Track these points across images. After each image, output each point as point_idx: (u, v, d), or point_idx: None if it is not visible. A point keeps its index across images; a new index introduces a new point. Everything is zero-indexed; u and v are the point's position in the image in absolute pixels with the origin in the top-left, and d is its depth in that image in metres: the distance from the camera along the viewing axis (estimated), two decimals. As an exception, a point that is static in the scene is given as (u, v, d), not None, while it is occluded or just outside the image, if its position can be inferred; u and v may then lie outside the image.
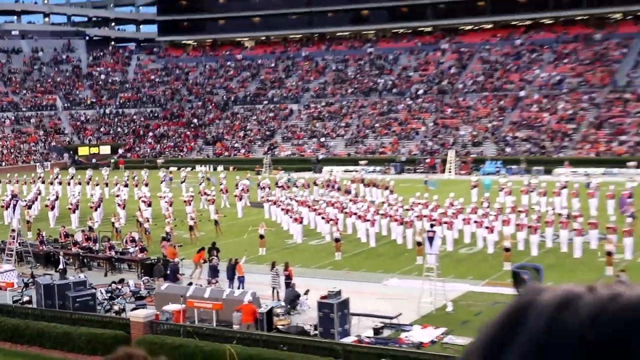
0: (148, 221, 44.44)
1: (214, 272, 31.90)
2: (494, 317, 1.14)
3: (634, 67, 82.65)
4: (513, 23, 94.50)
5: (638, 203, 44.97)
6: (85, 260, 37.20)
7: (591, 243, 36.48)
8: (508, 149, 75.34)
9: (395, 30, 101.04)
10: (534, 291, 1.13)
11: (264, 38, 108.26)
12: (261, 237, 38.84)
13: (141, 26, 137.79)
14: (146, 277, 32.97)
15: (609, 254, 32.63)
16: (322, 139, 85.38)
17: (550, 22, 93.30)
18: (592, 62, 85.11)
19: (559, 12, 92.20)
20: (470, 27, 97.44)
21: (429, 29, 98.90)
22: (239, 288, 30.00)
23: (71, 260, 36.99)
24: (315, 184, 58.38)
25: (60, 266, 34.16)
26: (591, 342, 1.01)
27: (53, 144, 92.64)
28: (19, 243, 37.70)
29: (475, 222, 39.12)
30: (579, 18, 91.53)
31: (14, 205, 39.94)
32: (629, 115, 75.55)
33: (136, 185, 59.81)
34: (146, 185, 58.53)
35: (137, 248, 36.52)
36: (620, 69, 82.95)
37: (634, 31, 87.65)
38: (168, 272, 33.27)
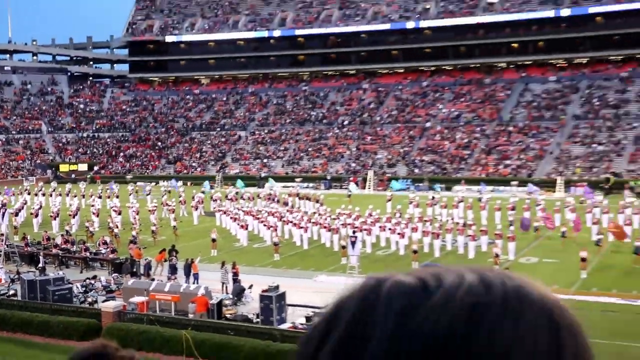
0: (118, 227, 43.70)
1: (173, 269, 31.54)
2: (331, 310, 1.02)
3: (516, 106, 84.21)
4: (420, 68, 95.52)
5: (519, 215, 45.70)
6: (63, 259, 36.37)
7: (482, 246, 36.93)
8: (416, 170, 75.92)
9: (326, 72, 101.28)
10: (375, 287, 0.98)
11: (217, 76, 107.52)
12: (213, 240, 38.46)
13: (115, 65, 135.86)
14: (116, 274, 32.47)
15: (496, 255, 33.09)
16: (265, 160, 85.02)
17: (450, 68, 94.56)
18: (483, 101, 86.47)
19: (457, 61, 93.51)
20: (386, 71, 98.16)
21: (353, 72, 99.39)
22: (194, 283, 29.63)
23: (51, 259, 36.15)
24: (258, 197, 58.14)
25: (40, 265, 33.32)
26: (436, 338, 0.90)
27: (38, 161, 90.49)
28: (7, 245, 36.69)
29: (390, 229, 39.25)
30: (473, 65, 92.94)
31: (3, 213, 38.92)
32: (512, 144, 76.86)
33: (108, 197, 58.71)
34: (117, 197, 57.48)
35: (108, 249, 35.90)
36: (504, 107, 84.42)
37: (516, 77, 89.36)
38: (135, 268, 32.74)
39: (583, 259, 31.83)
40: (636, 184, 62.60)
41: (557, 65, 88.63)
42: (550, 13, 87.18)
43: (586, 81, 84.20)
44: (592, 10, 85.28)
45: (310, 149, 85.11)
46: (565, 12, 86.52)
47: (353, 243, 34.64)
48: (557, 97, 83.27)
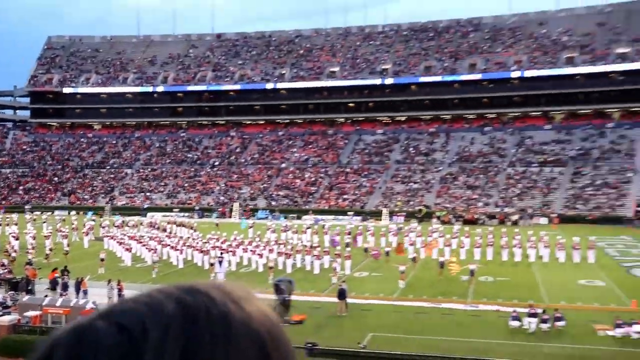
0: (15, 251, 40.72)
1: (64, 287, 29.71)
2: None
3: (352, 152, 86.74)
4: (277, 121, 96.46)
5: (353, 237, 46.78)
6: (-37, 280, 33.33)
7: (325, 264, 37.42)
8: (273, 202, 76.22)
9: (200, 122, 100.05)
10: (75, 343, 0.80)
11: (108, 123, 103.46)
12: (101, 260, 36.71)
13: (17, 111, 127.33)
14: (12, 292, 30.10)
15: (335, 270, 33.68)
16: (148, 194, 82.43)
17: (301, 121, 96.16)
18: (327, 148, 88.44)
19: (306, 115, 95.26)
20: (250, 122, 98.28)
21: (223, 122, 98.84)
22: (83, 298, 28.07)
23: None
24: (142, 224, 56.16)
25: None
26: None
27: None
28: None
29: (251, 250, 39.08)
30: (319, 120, 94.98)
31: None
32: (349, 182, 78.92)
33: (7, 225, 54.66)
34: (16, 224, 53.64)
35: (6, 270, 33.30)
36: (343, 153, 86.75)
37: (352, 130, 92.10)
38: (30, 286, 30.55)
39: (402, 272, 33.05)
40: (441, 214, 66.01)
41: (383, 121, 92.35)
42: (377, 81, 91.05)
43: (405, 134, 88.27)
44: (409, 81, 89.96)
45: (186, 185, 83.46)
46: (389, 81, 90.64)
47: (220, 262, 34.32)
48: (383, 146, 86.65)
